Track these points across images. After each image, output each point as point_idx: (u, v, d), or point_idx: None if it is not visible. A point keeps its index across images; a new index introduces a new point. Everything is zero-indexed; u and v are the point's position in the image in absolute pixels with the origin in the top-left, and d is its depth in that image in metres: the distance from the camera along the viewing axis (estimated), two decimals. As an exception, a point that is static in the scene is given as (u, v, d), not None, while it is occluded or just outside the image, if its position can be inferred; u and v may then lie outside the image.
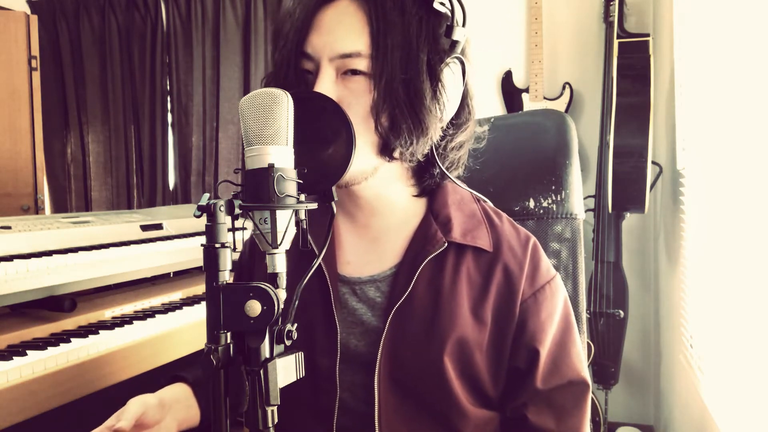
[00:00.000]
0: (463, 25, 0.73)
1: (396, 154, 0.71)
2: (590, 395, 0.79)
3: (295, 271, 0.63)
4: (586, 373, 0.79)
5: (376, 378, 0.73)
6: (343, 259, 0.81)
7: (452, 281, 0.75)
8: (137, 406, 0.76)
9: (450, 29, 0.70)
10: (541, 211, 1.00)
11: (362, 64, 0.68)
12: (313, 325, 0.76)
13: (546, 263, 0.80)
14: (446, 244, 0.75)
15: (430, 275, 0.75)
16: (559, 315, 0.78)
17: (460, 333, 0.73)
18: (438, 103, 0.70)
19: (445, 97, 0.70)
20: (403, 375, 0.74)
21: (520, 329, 0.76)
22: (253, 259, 0.90)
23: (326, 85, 0.68)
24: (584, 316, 1.00)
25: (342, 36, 0.68)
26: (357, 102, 0.68)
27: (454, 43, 0.71)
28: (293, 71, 0.71)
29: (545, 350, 0.76)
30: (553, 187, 1.00)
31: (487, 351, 0.75)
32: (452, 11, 0.70)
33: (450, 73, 0.70)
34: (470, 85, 0.77)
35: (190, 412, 0.84)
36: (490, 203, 0.85)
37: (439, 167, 0.76)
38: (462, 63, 0.72)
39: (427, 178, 0.78)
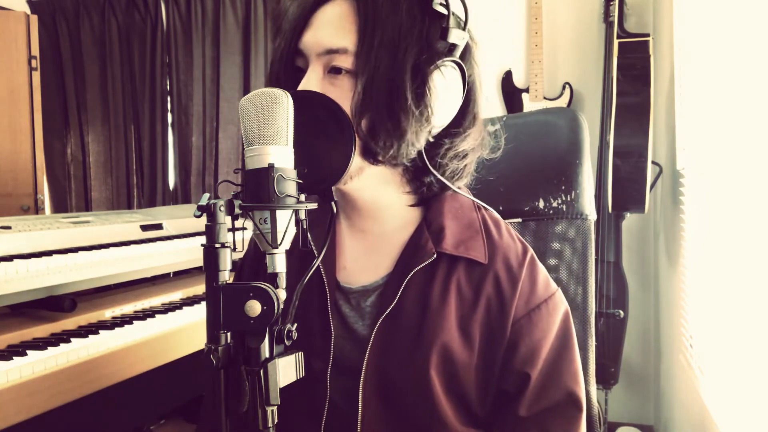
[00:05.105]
0: (464, 29, 0.70)
1: (380, 157, 0.69)
2: (583, 417, 0.74)
3: (296, 272, 0.63)
4: (581, 394, 0.74)
5: (361, 386, 0.72)
6: (340, 265, 0.79)
7: (441, 294, 0.72)
8: None
9: (446, 31, 0.67)
10: (551, 212, 0.98)
11: (348, 62, 0.67)
12: (310, 328, 0.76)
13: (544, 279, 0.76)
14: (435, 255, 0.73)
15: (420, 286, 0.73)
16: (554, 334, 0.74)
17: (445, 347, 0.71)
18: (423, 106, 0.66)
19: (432, 100, 0.67)
20: (388, 386, 0.73)
21: (511, 351, 0.72)
22: (256, 260, 0.88)
23: (312, 81, 0.67)
24: (592, 319, 0.98)
25: (331, 33, 0.67)
26: (342, 101, 0.66)
27: (452, 47, 0.68)
28: (285, 68, 0.71)
29: (536, 372, 0.72)
30: (564, 188, 0.97)
31: (475, 369, 0.73)
32: (448, 11, 0.68)
33: (440, 77, 0.67)
34: (476, 90, 0.74)
35: None
36: (493, 212, 0.82)
37: (434, 175, 0.73)
38: (461, 67, 0.69)
39: (421, 186, 0.76)
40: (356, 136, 0.67)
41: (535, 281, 0.75)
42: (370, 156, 0.69)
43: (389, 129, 0.66)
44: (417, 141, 0.68)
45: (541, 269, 0.77)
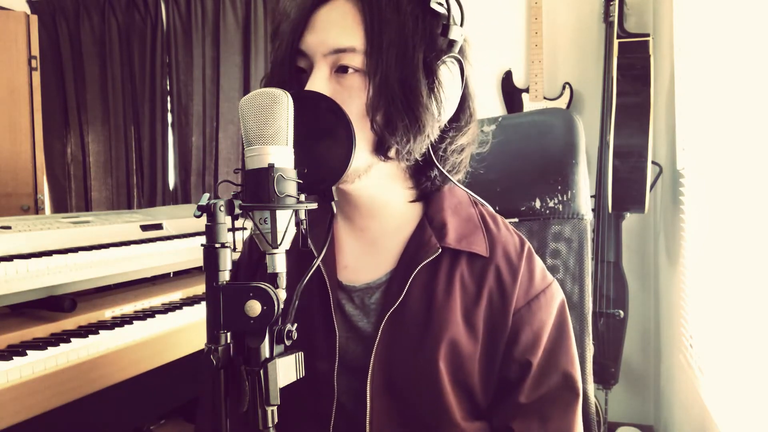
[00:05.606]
0: (461, 25, 0.72)
1: (391, 153, 0.71)
2: (579, 401, 0.76)
3: (295, 272, 0.63)
4: (576, 377, 0.77)
5: (368, 385, 0.73)
6: (341, 264, 0.80)
7: (446, 288, 0.74)
8: None
9: (446, 28, 0.70)
10: (547, 212, 0.99)
11: (356, 60, 0.67)
12: (312, 329, 0.76)
13: (542, 270, 0.78)
14: (440, 250, 0.74)
15: (424, 282, 0.74)
16: (552, 323, 0.77)
17: (453, 339, 0.72)
18: (435, 101, 0.69)
19: (442, 95, 0.69)
20: (396, 383, 0.73)
21: (513, 340, 0.74)
22: (252, 261, 0.88)
23: (319, 81, 0.67)
24: (589, 318, 0.99)
25: (336, 33, 0.68)
26: (351, 99, 0.67)
27: (452, 43, 0.71)
28: (288, 70, 0.71)
29: (536, 360, 0.75)
30: (560, 188, 0.98)
31: (479, 360, 0.74)
32: (449, 10, 0.70)
33: (447, 72, 0.69)
34: (471, 86, 0.76)
35: None
36: (488, 207, 0.83)
37: (439, 169, 0.75)
38: (460, 63, 0.71)
39: (424, 181, 0.77)
40: (372, 132, 0.68)
41: (533, 272, 0.77)
42: (382, 152, 0.70)
43: (407, 124, 0.68)
44: (431, 134, 0.71)
45: (538, 261, 0.79)
